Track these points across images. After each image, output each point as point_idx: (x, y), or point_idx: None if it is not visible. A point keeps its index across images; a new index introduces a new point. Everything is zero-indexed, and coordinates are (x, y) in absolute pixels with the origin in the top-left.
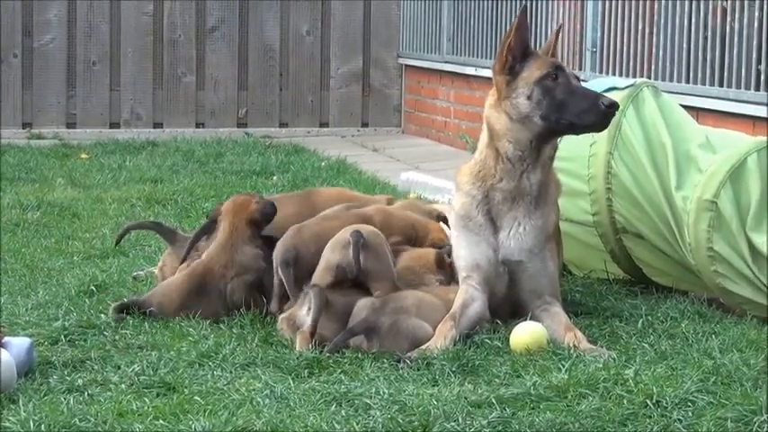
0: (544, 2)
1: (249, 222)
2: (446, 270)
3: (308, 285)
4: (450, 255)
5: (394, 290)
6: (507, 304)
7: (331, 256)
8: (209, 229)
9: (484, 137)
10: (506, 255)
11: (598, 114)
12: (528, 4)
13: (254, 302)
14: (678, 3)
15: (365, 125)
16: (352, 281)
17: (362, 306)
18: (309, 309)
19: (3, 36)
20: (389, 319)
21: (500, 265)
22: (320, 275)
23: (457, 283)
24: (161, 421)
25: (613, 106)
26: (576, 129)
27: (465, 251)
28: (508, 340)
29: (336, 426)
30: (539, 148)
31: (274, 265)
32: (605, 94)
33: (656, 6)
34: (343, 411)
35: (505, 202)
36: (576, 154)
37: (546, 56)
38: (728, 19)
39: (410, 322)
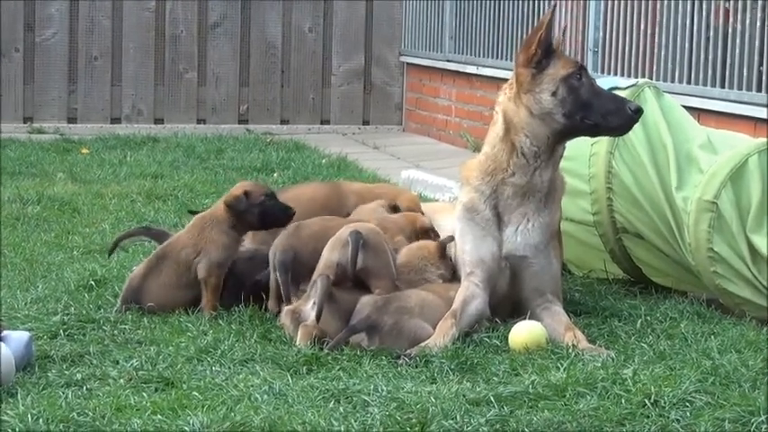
0: (547, 0)
1: (226, 205)
2: (448, 262)
3: (310, 282)
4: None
5: (394, 288)
6: (508, 302)
7: (330, 254)
8: None
9: (497, 131)
10: (511, 250)
11: (625, 118)
12: (532, 4)
13: (213, 285)
14: (680, 3)
15: (366, 123)
16: (352, 279)
17: (365, 303)
18: (314, 303)
19: (5, 30)
20: (392, 319)
21: (503, 261)
22: (320, 274)
23: (457, 278)
24: (159, 416)
25: (639, 112)
26: (599, 130)
27: (470, 246)
28: (507, 339)
29: (334, 422)
30: (554, 145)
31: (270, 263)
32: (630, 100)
33: (658, 6)
34: (341, 408)
35: (515, 197)
36: (577, 153)
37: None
38: (731, 20)
39: (412, 323)
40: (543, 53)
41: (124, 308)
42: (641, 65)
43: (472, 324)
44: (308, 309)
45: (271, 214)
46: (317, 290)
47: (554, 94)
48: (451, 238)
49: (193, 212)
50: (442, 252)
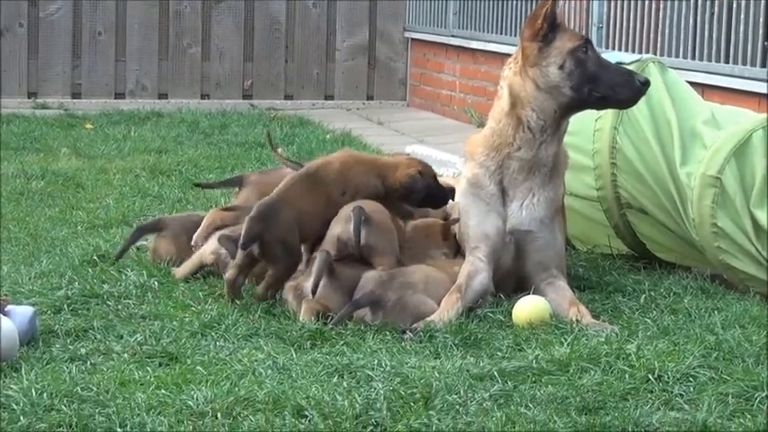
0: None
1: (401, 184)
2: (451, 242)
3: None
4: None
5: (397, 265)
6: (512, 278)
7: (334, 229)
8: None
9: (503, 105)
10: (516, 225)
11: (633, 90)
12: None
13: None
14: None
15: (370, 98)
16: (355, 255)
17: (369, 278)
18: None
19: (8, 5)
20: (395, 294)
21: (507, 236)
22: (320, 249)
23: (460, 254)
24: (163, 391)
25: (647, 84)
26: (607, 103)
27: (474, 221)
28: (511, 314)
29: (338, 397)
30: (560, 119)
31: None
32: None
33: None
34: (344, 383)
35: (521, 172)
36: (581, 128)
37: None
38: None
39: (416, 298)
40: (549, 27)
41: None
42: (645, 40)
43: (477, 299)
44: (309, 285)
45: (436, 195)
46: (316, 264)
47: (561, 67)
48: (457, 220)
49: (199, 185)
50: (446, 233)
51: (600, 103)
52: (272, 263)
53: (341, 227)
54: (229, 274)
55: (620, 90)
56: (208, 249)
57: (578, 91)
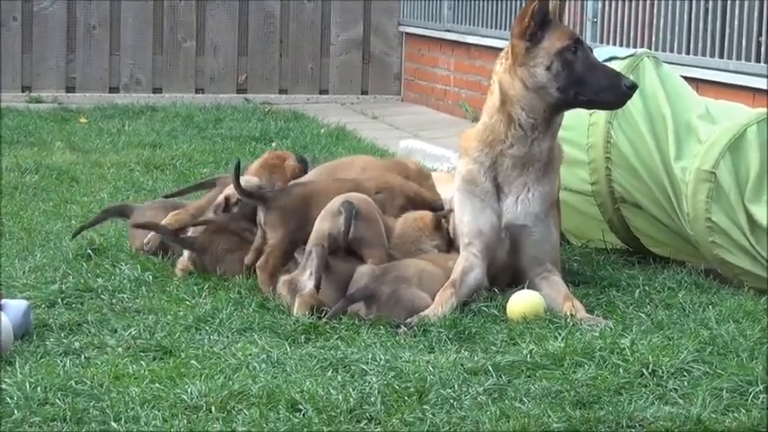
0: None
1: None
2: (443, 234)
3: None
4: (445, 217)
5: (386, 257)
6: (507, 272)
7: (322, 224)
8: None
9: (494, 101)
10: (511, 220)
11: (619, 94)
12: None
13: None
14: None
15: (365, 93)
16: (345, 249)
17: (363, 273)
18: (311, 273)
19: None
20: (389, 288)
21: (502, 231)
22: (312, 244)
23: (453, 247)
24: (157, 385)
25: (634, 88)
26: (594, 105)
27: (469, 217)
28: (505, 308)
29: (332, 391)
30: (551, 117)
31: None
32: (625, 75)
33: None
34: (339, 377)
35: (515, 168)
36: (576, 123)
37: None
38: None
39: (410, 292)
40: (538, 25)
41: None
42: (640, 35)
43: (471, 294)
44: (305, 279)
45: None
46: (314, 260)
47: (548, 68)
48: (449, 211)
49: (168, 196)
50: (438, 224)
51: (587, 105)
52: (271, 230)
53: (330, 222)
54: (248, 258)
55: (604, 94)
56: (186, 258)
57: (565, 93)
